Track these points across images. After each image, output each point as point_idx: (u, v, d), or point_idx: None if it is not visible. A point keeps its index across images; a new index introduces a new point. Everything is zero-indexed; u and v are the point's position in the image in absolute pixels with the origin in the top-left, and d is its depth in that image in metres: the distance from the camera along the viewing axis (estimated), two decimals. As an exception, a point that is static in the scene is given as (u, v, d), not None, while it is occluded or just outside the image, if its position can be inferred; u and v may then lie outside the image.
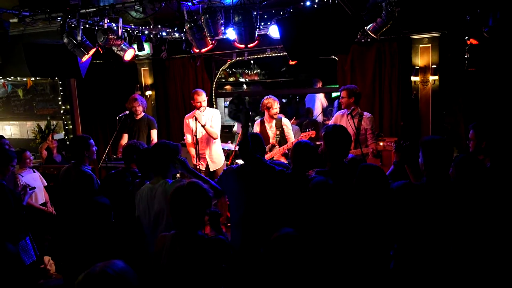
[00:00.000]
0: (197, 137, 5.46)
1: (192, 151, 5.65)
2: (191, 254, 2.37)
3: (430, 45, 5.84)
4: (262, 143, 3.61)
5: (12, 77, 8.08)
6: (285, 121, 5.74)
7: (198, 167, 5.59)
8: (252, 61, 9.64)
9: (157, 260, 2.45)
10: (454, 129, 5.90)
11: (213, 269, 2.40)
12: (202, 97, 5.58)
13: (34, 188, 4.58)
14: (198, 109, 5.54)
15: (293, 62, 6.46)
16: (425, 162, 2.79)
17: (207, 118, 5.68)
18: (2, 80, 8.18)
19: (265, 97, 5.69)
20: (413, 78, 5.95)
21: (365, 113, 5.20)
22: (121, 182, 3.84)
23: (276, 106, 5.60)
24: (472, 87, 5.77)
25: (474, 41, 5.52)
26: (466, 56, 5.68)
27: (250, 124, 6.28)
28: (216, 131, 5.70)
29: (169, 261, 2.40)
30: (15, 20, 5.02)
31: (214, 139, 5.73)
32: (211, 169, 5.78)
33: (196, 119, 5.44)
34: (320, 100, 9.06)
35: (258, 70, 10.07)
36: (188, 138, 5.74)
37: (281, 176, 3.40)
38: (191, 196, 2.40)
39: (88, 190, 4.01)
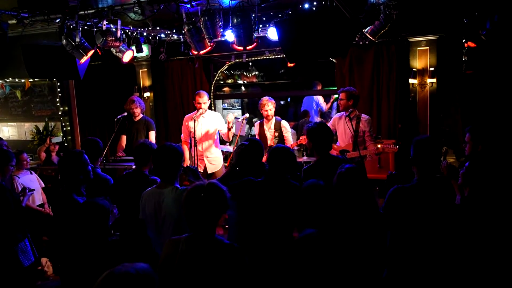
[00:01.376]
0: (195, 139, 5.45)
1: (187, 153, 5.64)
2: (209, 258, 2.25)
3: (428, 47, 5.85)
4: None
5: (10, 79, 8.07)
6: (284, 123, 5.75)
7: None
8: (250, 63, 9.65)
9: (167, 265, 2.31)
10: (452, 131, 5.91)
11: (231, 275, 2.27)
12: (204, 99, 5.61)
13: (33, 190, 4.58)
14: (198, 110, 5.57)
15: (292, 64, 6.48)
16: (414, 159, 2.87)
17: (211, 121, 5.71)
18: (0, 81, 8.17)
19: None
20: (411, 81, 5.96)
21: (363, 115, 5.21)
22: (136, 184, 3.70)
23: (268, 107, 5.62)
24: (469, 90, 5.79)
25: (471, 44, 5.53)
26: (463, 59, 5.70)
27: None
28: (225, 130, 5.76)
29: (184, 265, 2.26)
30: (14, 21, 5.02)
31: (227, 139, 5.79)
32: (209, 171, 5.79)
33: (194, 120, 5.45)
34: (317, 103, 9.06)
35: (257, 72, 10.07)
36: (185, 138, 5.76)
37: (249, 184, 3.23)
38: (211, 197, 2.29)
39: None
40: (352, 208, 2.75)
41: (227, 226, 4.53)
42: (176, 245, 2.32)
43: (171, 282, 2.26)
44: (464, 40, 5.59)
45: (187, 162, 5.57)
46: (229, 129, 5.62)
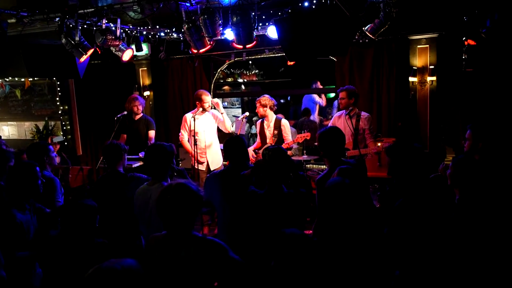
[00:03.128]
0: (195, 137, 5.44)
1: (189, 147, 5.67)
2: (185, 253, 2.32)
3: (428, 46, 5.85)
4: (244, 147, 3.64)
5: (10, 78, 8.07)
6: (284, 122, 5.74)
7: (196, 167, 5.61)
8: (250, 62, 9.65)
9: (149, 259, 2.42)
10: (452, 129, 5.91)
11: (209, 269, 2.34)
12: (207, 99, 5.65)
13: None
14: (198, 108, 5.58)
15: (292, 63, 6.47)
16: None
17: (210, 118, 5.78)
18: (0, 80, 8.17)
19: None
20: (411, 79, 5.96)
21: (363, 113, 5.21)
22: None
23: (261, 104, 5.65)
24: (469, 88, 5.79)
25: (471, 42, 5.53)
26: (463, 57, 5.70)
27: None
28: (228, 122, 5.80)
29: (163, 260, 2.36)
30: (13, 20, 5.02)
31: (227, 129, 5.81)
32: (212, 168, 5.79)
33: (194, 118, 5.45)
34: (319, 101, 9.06)
35: (257, 71, 10.08)
36: (185, 135, 5.75)
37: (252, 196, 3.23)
38: (179, 198, 2.31)
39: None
40: (349, 212, 2.71)
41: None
42: (156, 240, 2.43)
43: (152, 274, 2.37)
44: (464, 38, 5.58)
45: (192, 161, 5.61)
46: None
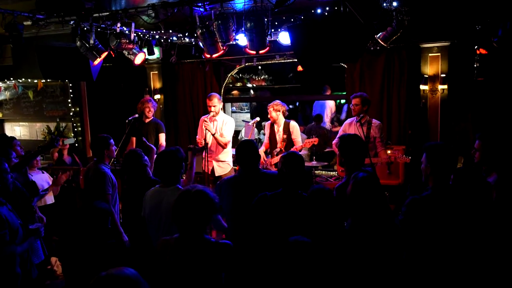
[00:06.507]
0: (206, 142, 5.47)
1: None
2: (196, 256, 2.38)
3: (439, 54, 5.84)
4: (256, 151, 3.63)
5: (23, 79, 8.16)
6: (293, 125, 5.72)
7: (206, 171, 5.62)
8: (260, 67, 9.68)
9: (159, 263, 2.47)
10: (463, 138, 5.89)
11: (218, 272, 2.42)
12: (214, 102, 5.62)
13: (46, 191, 4.62)
14: (210, 113, 5.59)
15: (301, 69, 6.49)
16: (432, 169, 2.80)
17: (219, 125, 5.72)
18: (13, 81, 8.26)
19: None
20: (422, 87, 5.95)
21: (374, 121, 5.20)
22: None
23: (274, 109, 5.66)
24: (481, 97, 5.77)
25: (483, 51, 5.52)
26: (475, 66, 5.69)
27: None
28: (226, 138, 5.73)
29: (173, 264, 2.40)
30: (29, 22, 5.08)
31: (223, 147, 5.75)
32: (217, 174, 5.80)
33: (207, 123, 5.48)
34: (330, 108, 9.07)
35: (266, 76, 10.11)
36: (201, 139, 5.77)
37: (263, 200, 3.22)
38: (197, 204, 2.40)
39: (100, 187, 4.09)
40: (367, 217, 2.71)
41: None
42: (167, 244, 2.49)
43: (163, 277, 2.43)
44: (476, 47, 5.57)
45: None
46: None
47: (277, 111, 5.66)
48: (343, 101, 8.93)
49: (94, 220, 3.07)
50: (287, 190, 3.13)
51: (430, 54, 5.90)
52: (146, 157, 3.94)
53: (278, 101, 5.72)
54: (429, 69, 5.91)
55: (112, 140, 4.35)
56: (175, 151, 3.39)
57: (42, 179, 5.28)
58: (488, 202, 3.01)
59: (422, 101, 6.00)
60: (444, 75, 5.83)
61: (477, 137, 3.63)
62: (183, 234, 2.45)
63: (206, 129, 5.46)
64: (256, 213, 3.16)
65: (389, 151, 5.04)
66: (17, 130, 8.48)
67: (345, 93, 6.84)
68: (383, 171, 5.41)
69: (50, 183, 5.39)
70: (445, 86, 5.84)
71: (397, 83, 6.17)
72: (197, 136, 5.88)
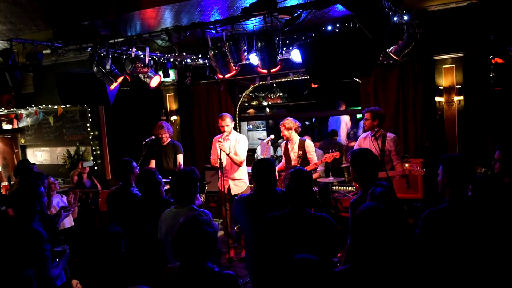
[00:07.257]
0: (221, 161, 5.52)
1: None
2: (197, 285, 2.36)
3: (454, 65, 5.79)
4: (272, 170, 3.64)
5: (44, 105, 8.40)
6: (308, 143, 5.74)
7: (223, 190, 5.65)
8: (274, 85, 9.74)
9: None
10: (482, 149, 5.77)
11: None
12: (226, 122, 5.67)
13: (70, 210, 4.68)
14: (223, 133, 5.64)
15: (316, 85, 6.51)
16: (449, 181, 2.76)
17: (232, 144, 5.76)
18: (34, 108, 8.51)
19: None
20: (437, 99, 5.89)
21: (388, 134, 5.17)
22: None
23: (286, 127, 5.67)
24: (499, 107, 5.67)
25: (499, 60, 5.45)
26: (491, 75, 5.61)
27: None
28: (241, 157, 5.76)
29: None
30: (48, 51, 5.27)
31: (239, 166, 5.77)
32: (233, 193, 5.81)
33: (220, 143, 5.52)
34: (345, 123, 9.04)
35: (281, 94, 10.16)
36: (215, 159, 5.82)
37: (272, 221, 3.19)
38: (194, 238, 2.37)
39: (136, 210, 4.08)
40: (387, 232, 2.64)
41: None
42: (171, 272, 2.48)
43: None
44: (491, 57, 5.51)
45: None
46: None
47: (288, 129, 5.67)
48: (359, 116, 8.89)
49: (107, 244, 3.09)
50: (295, 208, 3.10)
51: (444, 66, 5.85)
52: (159, 176, 3.96)
53: (290, 118, 5.73)
54: (444, 81, 5.85)
55: (134, 163, 4.38)
56: (190, 172, 3.41)
57: (62, 202, 5.37)
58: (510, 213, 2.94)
59: (438, 113, 5.93)
60: (459, 86, 5.77)
61: (497, 147, 3.58)
62: (185, 264, 2.43)
63: (220, 149, 5.50)
64: (265, 236, 3.14)
65: (406, 164, 4.97)
66: (38, 155, 8.70)
67: (360, 107, 6.82)
68: (401, 185, 5.34)
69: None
70: (461, 97, 5.77)
71: (412, 96, 6.12)
72: (211, 157, 5.93)
